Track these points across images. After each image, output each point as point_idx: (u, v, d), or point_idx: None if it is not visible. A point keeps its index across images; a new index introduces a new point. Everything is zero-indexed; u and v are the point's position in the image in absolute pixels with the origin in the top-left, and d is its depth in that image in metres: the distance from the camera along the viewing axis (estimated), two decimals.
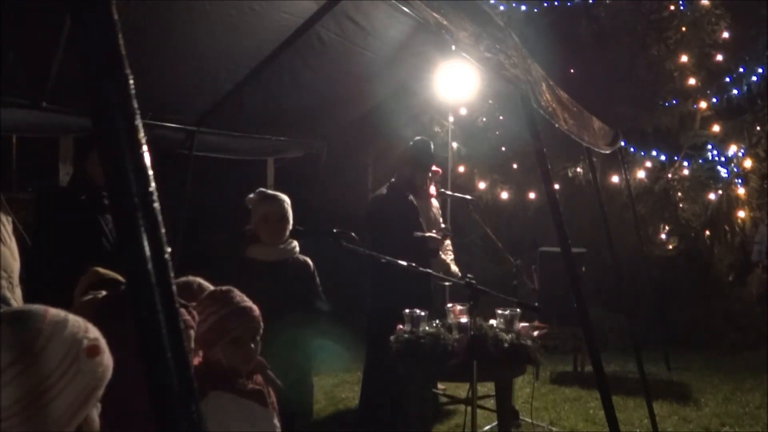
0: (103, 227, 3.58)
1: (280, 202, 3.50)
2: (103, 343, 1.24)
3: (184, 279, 2.45)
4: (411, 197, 4.99)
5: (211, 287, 2.42)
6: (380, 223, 4.80)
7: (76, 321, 1.23)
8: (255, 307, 2.35)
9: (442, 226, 5.53)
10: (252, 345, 2.31)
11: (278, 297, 3.35)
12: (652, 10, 9.09)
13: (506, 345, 3.67)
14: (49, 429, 1.13)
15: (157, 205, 0.87)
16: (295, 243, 3.56)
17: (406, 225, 4.81)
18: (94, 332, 1.24)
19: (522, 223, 9.31)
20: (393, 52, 4.38)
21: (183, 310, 1.83)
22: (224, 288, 2.37)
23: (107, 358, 1.25)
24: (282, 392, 2.48)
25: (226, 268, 3.39)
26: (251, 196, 3.59)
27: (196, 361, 2.27)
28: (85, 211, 3.56)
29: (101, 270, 2.22)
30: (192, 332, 1.89)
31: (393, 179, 5.08)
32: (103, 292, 2.03)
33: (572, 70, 9.05)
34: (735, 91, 8.88)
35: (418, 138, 5.15)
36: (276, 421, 2.36)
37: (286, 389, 2.52)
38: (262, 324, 2.35)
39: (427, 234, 4.92)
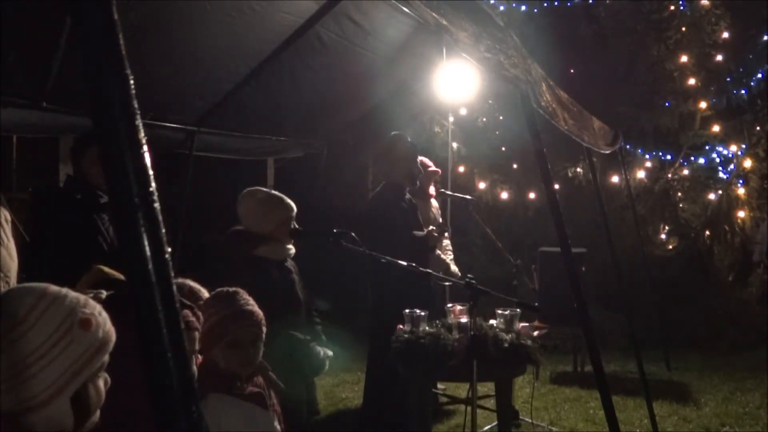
0: (99, 226, 3.58)
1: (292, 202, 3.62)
2: (99, 317, 1.34)
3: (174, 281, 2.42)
4: (408, 196, 4.98)
5: (203, 290, 2.39)
6: (380, 224, 4.78)
7: (75, 297, 1.34)
8: (258, 312, 2.32)
9: (440, 221, 5.52)
10: (251, 349, 2.28)
11: (293, 295, 3.44)
12: (652, 10, 9.09)
13: (506, 345, 3.67)
14: (46, 390, 1.25)
15: (157, 205, 0.87)
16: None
17: (406, 224, 4.79)
18: (91, 307, 1.35)
19: (522, 223, 9.31)
20: (393, 52, 4.38)
21: (188, 312, 1.82)
22: (231, 289, 2.34)
23: (104, 331, 1.35)
24: (288, 392, 2.48)
25: (239, 269, 3.41)
26: (251, 194, 3.61)
27: (197, 362, 2.25)
28: (81, 211, 3.56)
29: (105, 269, 2.21)
30: (196, 334, 1.88)
31: (386, 181, 5.00)
32: (104, 292, 2.02)
33: (572, 70, 9.06)
34: (735, 91, 8.88)
35: (394, 133, 5.05)
36: (277, 424, 2.34)
37: (293, 389, 2.52)
38: (264, 329, 2.33)
39: (425, 231, 4.88)
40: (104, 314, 1.37)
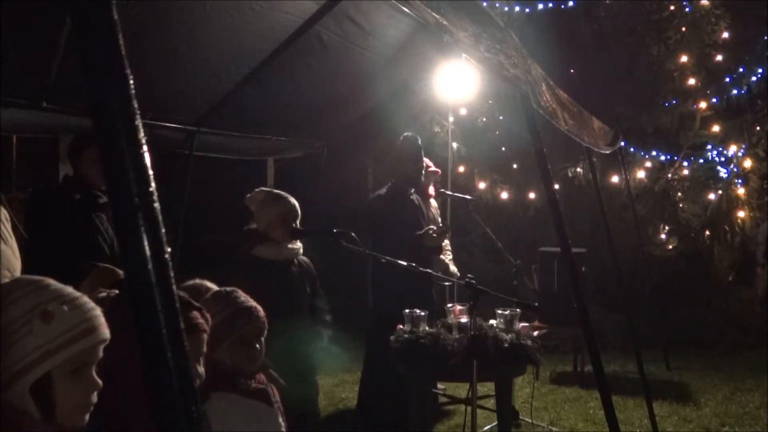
0: (99, 226, 3.58)
1: (294, 202, 3.60)
2: (64, 311, 1.35)
3: (192, 282, 2.43)
4: (413, 196, 4.98)
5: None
6: (378, 224, 4.78)
7: (56, 289, 1.37)
8: (259, 307, 2.34)
9: (439, 221, 5.52)
10: (257, 345, 2.30)
11: (287, 295, 3.42)
12: (652, 10, 9.10)
13: (506, 345, 3.67)
14: (4, 373, 1.30)
15: (157, 205, 0.87)
16: (300, 243, 3.63)
17: (406, 225, 4.79)
18: (63, 297, 1.36)
19: (522, 223, 9.31)
20: (393, 52, 4.37)
21: (197, 313, 1.82)
22: (228, 288, 2.36)
23: (69, 324, 1.35)
24: (288, 392, 2.48)
25: (233, 268, 3.41)
26: (252, 195, 3.63)
27: None
28: (80, 211, 3.56)
29: (118, 270, 2.22)
30: (205, 336, 1.87)
31: (393, 180, 5.04)
32: (116, 291, 2.03)
33: (572, 70, 9.06)
34: (735, 91, 8.88)
35: (405, 134, 5.11)
36: (281, 420, 2.35)
37: (292, 389, 2.52)
38: (266, 324, 2.34)
39: (423, 230, 4.87)
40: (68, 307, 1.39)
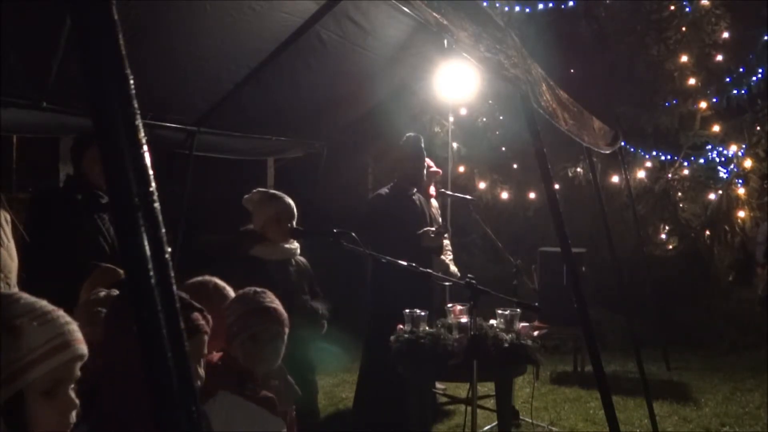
0: (100, 226, 3.59)
1: (289, 201, 3.58)
2: (34, 326, 1.27)
3: (199, 279, 2.44)
4: (415, 196, 4.98)
5: (227, 287, 2.43)
6: (378, 223, 4.78)
7: (29, 303, 1.29)
8: (281, 311, 2.36)
9: (440, 221, 5.52)
10: (268, 346, 2.31)
11: (286, 295, 3.42)
12: (652, 10, 9.10)
13: (506, 345, 3.67)
14: None
15: (157, 205, 0.87)
16: (297, 243, 3.63)
17: (407, 224, 4.79)
18: (34, 311, 1.29)
19: (522, 223, 9.31)
20: (393, 52, 4.37)
21: (198, 315, 1.83)
22: (259, 289, 2.39)
23: (39, 341, 1.27)
24: (300, 398, 2.49)
25: (232, 268, 3.42)
26: (249, 196, 3.64)
27: (216, 357, 2.28)
28: (82, 211, 3.57)
29: (120, 270, 2.23)
30: (206, 338, 1.88)
31: (395, 180, 5.05)
32: (116, 291, 2.04)
33: (572, 70, 9.06)
34: (735, 91, 8.88)
35: (408, 134, 5.12)
36: (285, 431, 2.34)
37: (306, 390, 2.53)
38: (285, 329, 2.36)
39: (422, 231, 4.86)
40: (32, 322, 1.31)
